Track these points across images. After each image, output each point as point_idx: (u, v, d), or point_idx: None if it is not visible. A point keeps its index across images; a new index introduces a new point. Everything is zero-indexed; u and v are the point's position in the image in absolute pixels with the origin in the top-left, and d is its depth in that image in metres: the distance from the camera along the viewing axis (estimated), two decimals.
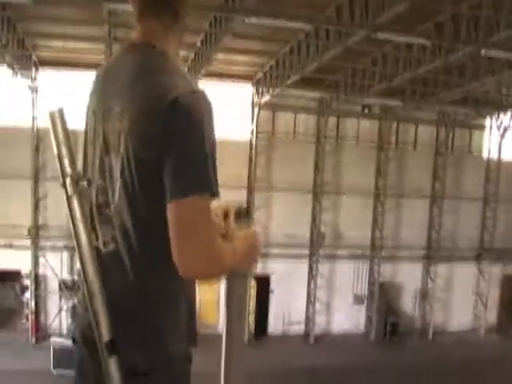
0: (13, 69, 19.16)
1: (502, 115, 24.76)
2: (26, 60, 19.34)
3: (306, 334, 24.08)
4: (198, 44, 16.98)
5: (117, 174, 1.86)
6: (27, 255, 21.31)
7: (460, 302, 25.47)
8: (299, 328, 24.24)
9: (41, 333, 21.53)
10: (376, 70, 18.52)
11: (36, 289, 21.75)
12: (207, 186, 1.73)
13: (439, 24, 13.99)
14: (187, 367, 2.03)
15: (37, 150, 20.94)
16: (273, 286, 23.93)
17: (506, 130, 25.02)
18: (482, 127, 26.01)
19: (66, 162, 1.72)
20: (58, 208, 18.07)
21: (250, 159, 23.16)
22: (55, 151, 1.72)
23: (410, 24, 13.68)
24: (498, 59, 15.85)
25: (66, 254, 21.25)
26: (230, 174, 19.02)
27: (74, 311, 20.09)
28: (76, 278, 19.55)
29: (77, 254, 1.77)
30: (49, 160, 20.14)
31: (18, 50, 17.61)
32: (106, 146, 1.92)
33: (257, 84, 22.46)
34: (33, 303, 21.66)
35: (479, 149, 26.23)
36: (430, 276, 25.47)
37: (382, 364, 20.60)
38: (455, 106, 23.49)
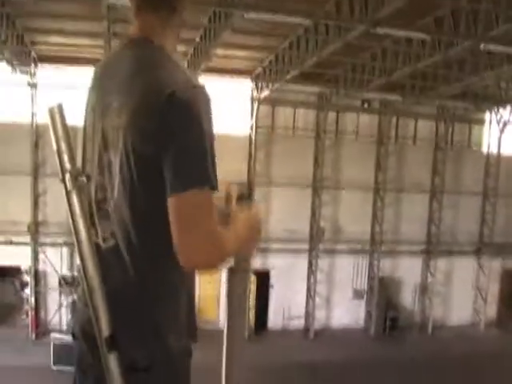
0: (12, 65, 19.11)
1: (501, 110, 24.71)
2: (25, 56, 19.30)
3: (306, 329, 24.11)
4: (197, 39, 16.93)
5: (116, 169, 1.86)
6: (27, 251, 21.30)
7: (460, 296, 25.46)
8: (299, 323, 24.26)
9: (41, 329, 21.52)
10: (375, 64, 18.48)
11: (36, 285, 21.73)
12: (207, 179, 1.75)
13: (439, 18, 13.94)
14: (187, 362, 2.04)
15: (36, 146, 20.88)
16: (273, 280, 23.94)
17: (505, 124, 24.98)
18: (481, 122, 25.96)
19: (66, 157, 1.71)
20: (58, 204, 18.03)
21: (250, 154, 23.12)
22: (54, 147, 1.72)
23: (409, 19, 13.62)
24: (498, 53, 15.82)
25: (65, 250, 21.21)
26: (229, 169, 18.78)
27: (73, 307, 20.09)
28: (76, 273, 19.56)
29: (76, 249, 1.77)
30: (48, 156, 20.06)
31: (17, 45, 17.55)
32: (104, 142, 1.92)
33: (256, 79, 22.40)
34: (33, 299, 21.64)
35: (479, 143, 26.18)
36: (429, 270, 25.47)
37: (381, 358, 20.60)
38: (455, 101, 23.44)
